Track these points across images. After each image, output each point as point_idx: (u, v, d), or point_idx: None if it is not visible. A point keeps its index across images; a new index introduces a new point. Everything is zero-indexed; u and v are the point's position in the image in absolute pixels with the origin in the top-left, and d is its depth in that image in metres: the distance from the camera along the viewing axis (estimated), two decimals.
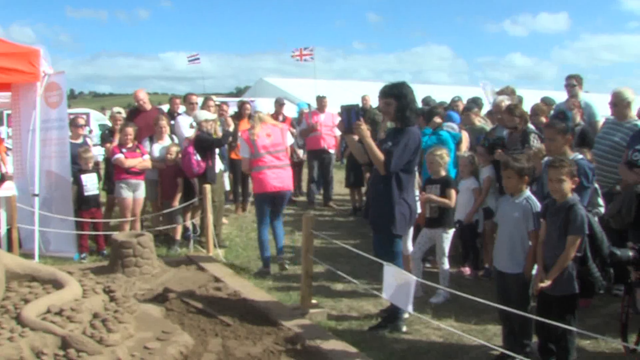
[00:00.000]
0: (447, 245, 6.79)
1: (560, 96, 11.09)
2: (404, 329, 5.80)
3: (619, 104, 6.69)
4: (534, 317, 4.56)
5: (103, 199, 9.63)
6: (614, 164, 6.44)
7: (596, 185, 5.99)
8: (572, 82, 8.37)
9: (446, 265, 6.76)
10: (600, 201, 6.30)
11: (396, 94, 5.60)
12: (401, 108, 5.59)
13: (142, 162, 8.84)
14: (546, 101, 9.64)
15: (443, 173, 6.88)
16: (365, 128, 5.53)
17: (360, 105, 9.20)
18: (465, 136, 8.40)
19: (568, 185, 4.60)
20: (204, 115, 9.23)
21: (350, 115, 5.59)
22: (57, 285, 5.29)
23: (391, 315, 5.84)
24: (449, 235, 6.81)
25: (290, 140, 8.43)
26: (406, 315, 5.79)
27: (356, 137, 5.83)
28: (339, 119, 13.65)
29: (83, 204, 8.57)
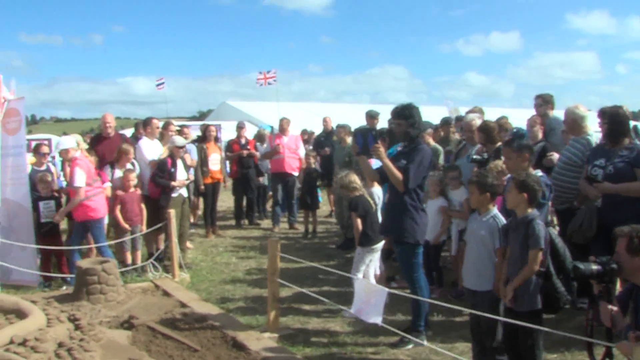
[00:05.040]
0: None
1: (519, 114, 11.28)
2: (425, 342, 5.83)
3: (572, 120, 6.85)
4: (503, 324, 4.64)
5: (65, 225, 9.51)
6: (570, 179, 6.57)
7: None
8: (539, 102, 8.39)
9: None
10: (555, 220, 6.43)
11: (405, 115, 5.97)
12: (410, 128, 5.96)
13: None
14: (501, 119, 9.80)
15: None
16: (382, 150, 5.83)
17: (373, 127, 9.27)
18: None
19: (513, 196, 4.72)
20: (178, 142, 9.44)
21: (367, 138, 5.85)
22: (21, 314, 5.23)
23: (411, 328, 5.96)
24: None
25: None
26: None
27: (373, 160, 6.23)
28: (302, 141, 13.90)
29: (40, 230, 8.43)
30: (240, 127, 13.02)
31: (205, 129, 12.22)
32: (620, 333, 3.62)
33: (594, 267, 3.79)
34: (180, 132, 10.72)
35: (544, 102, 8.32)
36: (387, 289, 5.22)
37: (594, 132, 6.77)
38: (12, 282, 8.24)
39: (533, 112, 8.69)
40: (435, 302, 5.45)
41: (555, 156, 7.19)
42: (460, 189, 7.45)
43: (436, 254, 7.65)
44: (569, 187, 6.60)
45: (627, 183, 5.73)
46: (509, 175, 5.85)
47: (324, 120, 14.11)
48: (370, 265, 6.99)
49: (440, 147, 9.32)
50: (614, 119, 5.96)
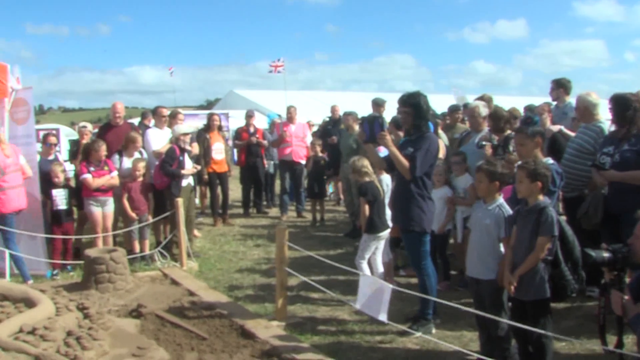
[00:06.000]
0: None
1: (527, 101, 11.23)
2: (433, 331, 5.89)
3: (583, 107, 6.81)
4: (508, 321, 4.63)
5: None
6: (580, 167, 6.53)
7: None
8: (553, 86, 8.34)
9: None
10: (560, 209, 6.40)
11: (412, 103, 5.93)
12: (417, 116, 5.92)
13: (110, 180, 8.69)
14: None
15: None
16: (389, 138, 5.83)
17: (379, 115, 9.23)
18: (441, 144, 8.37)
19: (526, 186, 4.67)
20: (182, 129, 9.42)
21: (373, 126, 5.87)
22: (30, 303, 5.24)
23: (419, 317, 6.01)
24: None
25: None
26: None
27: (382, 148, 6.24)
28: (309, 129, 13.88)
29: (54, 219, 8.48)
30: (249, 116, 13.00)
31: (209, 118, 12.18)
32: (632, 321, 3.60)
33: (606, 254, 3.77)
34: (173, 118, 10.44)
35: (557, 86, 8.31)
36: (391, 286, 5.21)
37: (606, 120, 6.72)
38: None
39: (541, 99, 8.65)
40: (439, 299, 5.40)
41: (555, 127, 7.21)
42: (465, 176, 7.41)
43: (442, 244, 7.61)
44: (579, 175, 6.56)
45: (633, 171, 5.70)
46: (517, 164, 5.81)
47: (333, 109, 14.05)
48: (376, 253, 6.97)
49: (444, 136, 9.27)
50: (621, 105, 5.92)
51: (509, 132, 7.17)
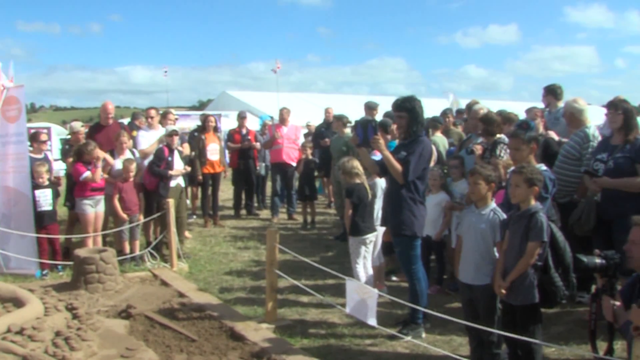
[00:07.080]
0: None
1: (518, 106, 11.25)
2: (423, 335, 5.88)
3: (569, 114, 6.86)
4: (499, 331, 4.64)
5: (65, 215, 9.47)
6: (568, 172, 6.58)
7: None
8: (544, 93, 8.43)
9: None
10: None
11: (407, 108, 5.94)
12: (412, 120, 5.93)
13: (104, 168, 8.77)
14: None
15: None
16: (382, 142, 5.82)
17: (372, 119, 9.19)
18: (433, 149, 8.32)
19: (523, 191, 4.67)
20: (171, 129, 9.46)
21: (367, 130, 5.84)
22: (18, 303, 5.22)
23: (409, 321, 5.99)
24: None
25: None
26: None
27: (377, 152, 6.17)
28: (302, 131, 13.85)
29: (37, 220, 8.31)
30: (242, 117, 12.97)
31: (204, 119, 12.15)
32: (622, 327, 3.61)
33: (598, 260, 3.78)
34: (164, 117, 10.58)
35: (547, 92, 8.39)
36: (377, 291, 5.21)
37: (594, 125, 6.75)
38: (11, 270, 8.22)
39: (532, 104, 8.69)
40: (430, 306, 5.40)
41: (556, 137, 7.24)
42: (462, 180, 7.38)
43: (439, 249, 7.58)
44: (568, 180, 6.60)
45: (626, 178, 5.74)
46: (511, 169, 5.81)
47: (326, 111, 14.00)
48: (366, 257, 6.94)
49: (444, 139, 9.27)
50: (628, 114, 5.95)
51: (498, 136, 7.19)
